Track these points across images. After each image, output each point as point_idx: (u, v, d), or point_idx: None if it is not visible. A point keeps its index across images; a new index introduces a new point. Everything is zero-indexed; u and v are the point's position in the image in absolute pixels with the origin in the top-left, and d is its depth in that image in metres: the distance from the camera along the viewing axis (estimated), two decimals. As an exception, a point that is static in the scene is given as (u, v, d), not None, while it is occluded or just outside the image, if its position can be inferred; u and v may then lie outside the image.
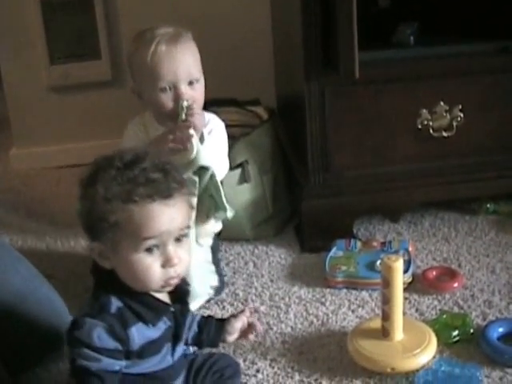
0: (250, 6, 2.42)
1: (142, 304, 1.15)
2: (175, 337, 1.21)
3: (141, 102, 1.66)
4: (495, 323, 1.48)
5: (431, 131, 1.83)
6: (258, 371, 1.43)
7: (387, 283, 1.38)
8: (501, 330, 1.46)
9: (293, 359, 1.46)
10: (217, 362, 1.32)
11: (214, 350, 1.39)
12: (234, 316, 1.35)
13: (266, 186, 1.97)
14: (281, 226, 2.01)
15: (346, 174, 1.86)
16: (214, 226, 1.70)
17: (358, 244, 1.82)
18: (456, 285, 1.66)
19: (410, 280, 1.68)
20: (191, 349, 1.35)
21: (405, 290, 1.50)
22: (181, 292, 1.21)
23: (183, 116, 1.54)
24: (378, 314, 1.52)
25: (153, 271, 1.13)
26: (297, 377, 1.40)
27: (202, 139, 1.55)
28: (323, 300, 1.66)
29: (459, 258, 1.79)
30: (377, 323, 1.44)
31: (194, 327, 1.31)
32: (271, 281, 1.76)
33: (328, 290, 1.70)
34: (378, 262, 1.64)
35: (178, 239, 1.14)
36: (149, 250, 1.12)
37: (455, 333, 1.46)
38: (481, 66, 1.84)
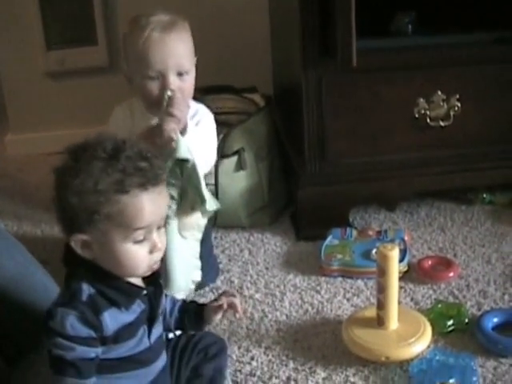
0: (248, -6, 2.41)
1: (113, 289, 1.15)
2: (150, 319, 1.21)
3: (130, 87, 1.64)
4: (490, 313, 1.48)
5: (428, 120, 1.83)
6: (252, 359, 1.43)
7: (383, 272, 1.38)
8: (495, 320, 1.46)
9: (287, 347, 1.46)
10: (201, 340, 1.32)
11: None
12: (214, 300, 1.34)
13: (262, 174, 1.96)
14: (276, 213, 2.01)
15: (342, 162, 1.85)
16: (199, 218, 1.64)
17: (354, 233, 1.82)
18: (451, 274, 1.66)
19: (406, 269, 1.68)
20: (178, 333, 1.35)
21: (400, 279, 1.49)
22: (154, 274, 1.21)
23: (164, 105, 1.52)
24: (373, 302, 1.52)
25: (142, 258, 1.14)
26: (291, 364, 1.40)
27: (184, 131, 1.52)
28: (318, 288, 1.66)
29: (455, 247, 1.80)
30: (372, 312, 1.44)
31: (175, 313, 1.31)
32: (266, 268, 1.76)
33: (323, 278, 1.70)
34: (374, 251, 1.64)
35: (159, 227, 1.15)
36: (138, 238, 1.13)
37: (450, 322, 1.46)
38: (478, 56, 1.84)
